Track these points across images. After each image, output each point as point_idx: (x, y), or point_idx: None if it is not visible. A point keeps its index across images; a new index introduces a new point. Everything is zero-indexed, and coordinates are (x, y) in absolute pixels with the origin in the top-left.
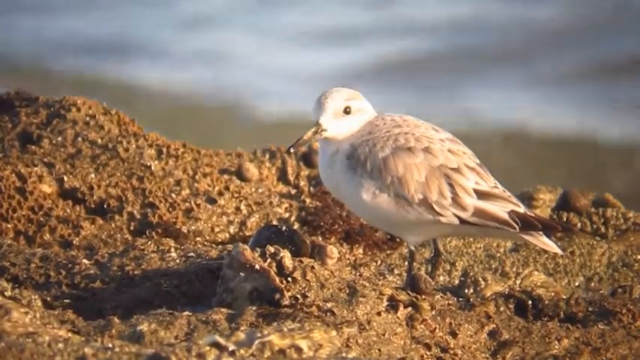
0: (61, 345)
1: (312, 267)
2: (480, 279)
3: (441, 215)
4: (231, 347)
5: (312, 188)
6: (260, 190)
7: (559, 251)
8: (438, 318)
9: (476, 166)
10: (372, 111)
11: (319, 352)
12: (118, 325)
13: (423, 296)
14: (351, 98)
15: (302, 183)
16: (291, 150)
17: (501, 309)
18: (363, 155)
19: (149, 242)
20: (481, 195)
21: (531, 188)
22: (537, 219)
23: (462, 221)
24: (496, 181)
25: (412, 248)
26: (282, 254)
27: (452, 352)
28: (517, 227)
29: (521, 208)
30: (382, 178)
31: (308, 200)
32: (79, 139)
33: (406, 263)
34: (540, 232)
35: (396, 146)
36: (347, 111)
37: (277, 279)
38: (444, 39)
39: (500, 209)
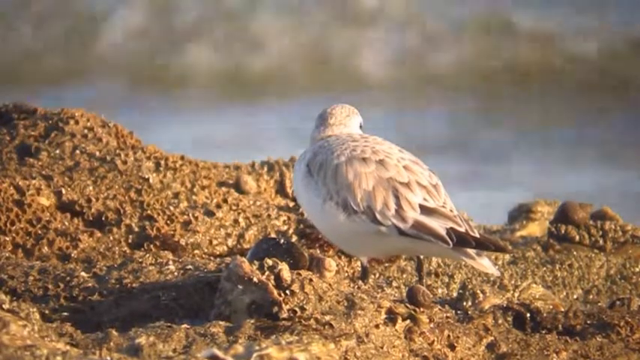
0: (59, 358)
1: (311, 280)
2: (478, 291)
3: (381, 225)
4: None
5: None
6: (258, 203)
7: (495, 272)
8: (437, 330)
9: (428, 185)
10: (342, 128)
11: None
12: (116, 338)
13: (422, 309)
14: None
15: None
16: None
17: (499, 321)
18: (319, 162)
19: (147, 255)
20: (425, 210)
21: (530, 201)
22: (472, 237)
23: (401, 232)
24: (449, 201)
25: (365, 264)
26: (280, 267)
27: None
28: (451, 243)
29: (462, 227)
30: (332, 184)
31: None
32: (77, 151)
33: (404, 276)
34: (477, 252)
35: (352, 155)
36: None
37: (275, 292)
38: None
39: (439, 225)
